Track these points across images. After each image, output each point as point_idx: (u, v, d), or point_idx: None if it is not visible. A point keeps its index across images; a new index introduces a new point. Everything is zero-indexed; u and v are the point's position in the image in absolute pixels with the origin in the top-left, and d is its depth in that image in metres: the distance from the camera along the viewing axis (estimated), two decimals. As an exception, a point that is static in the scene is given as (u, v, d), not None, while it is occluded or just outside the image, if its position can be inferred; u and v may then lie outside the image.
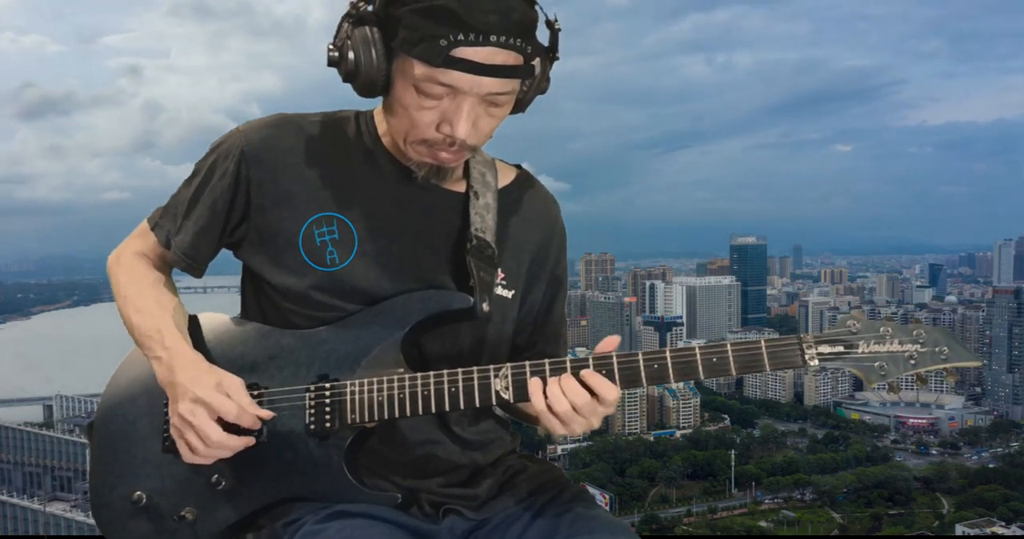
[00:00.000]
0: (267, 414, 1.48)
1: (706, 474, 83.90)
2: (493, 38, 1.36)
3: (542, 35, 1.49)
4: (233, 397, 1.46)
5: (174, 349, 1.52)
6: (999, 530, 65.22)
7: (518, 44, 1.39)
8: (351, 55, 1.44)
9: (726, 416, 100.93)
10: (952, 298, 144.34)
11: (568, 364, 1.43)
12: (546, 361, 1.43)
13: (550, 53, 1.52)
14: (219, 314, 1.68)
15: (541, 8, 1.45)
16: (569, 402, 1.40)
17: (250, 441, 1.48)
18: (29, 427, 75.39)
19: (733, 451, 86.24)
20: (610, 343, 1.44)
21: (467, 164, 1.63)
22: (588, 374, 1.41)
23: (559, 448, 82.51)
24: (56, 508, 62.53)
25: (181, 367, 1.50)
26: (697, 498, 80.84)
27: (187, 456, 1.49)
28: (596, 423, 1.44)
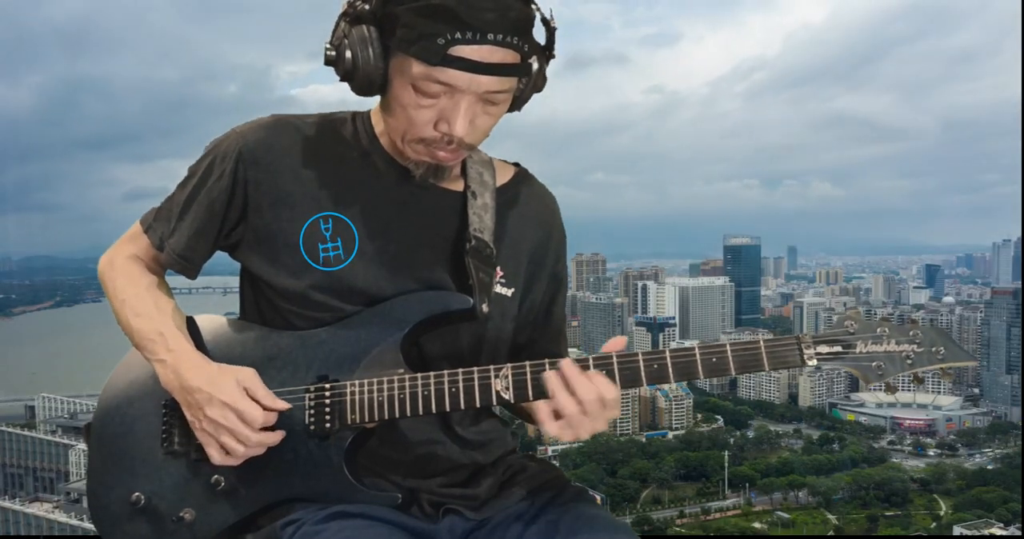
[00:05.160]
0: (285, 406, 1.49)
1: (699, 475, 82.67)
2: (491, 36, 1.37)
3: (539, 35, 1.50)
4: (252, 392, 1.48)
5: (178, 352, 1.53)
6: (997, 531, 64.11)
7: (515, 42, 1.40)
8: (348, 54, 1.45)
9: (719, 417, 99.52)
10: (950, 299, 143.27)
11: None
12: (546, 361, 1.44)
13: (547, 51, 1.52)
14: (217, 315, 1.68)
15: (538, 7, 1.46)
16: (577, 401, 1.39)
17: (283, 433, 1.50)
18: (11, 428, 74.25)
19: (727, 452, 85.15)
20: (617, 344, 1.45)
21: (464, 164, 1.64)
22: (591, 374, 1.41)
23: (549, 449, 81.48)
24: (38, 509, 61.29)
25: (188, 369, 1.51)
26: (690, 499, 79.72)
27: (220, 459, 1.50)
28: (601, 426, 1.41)
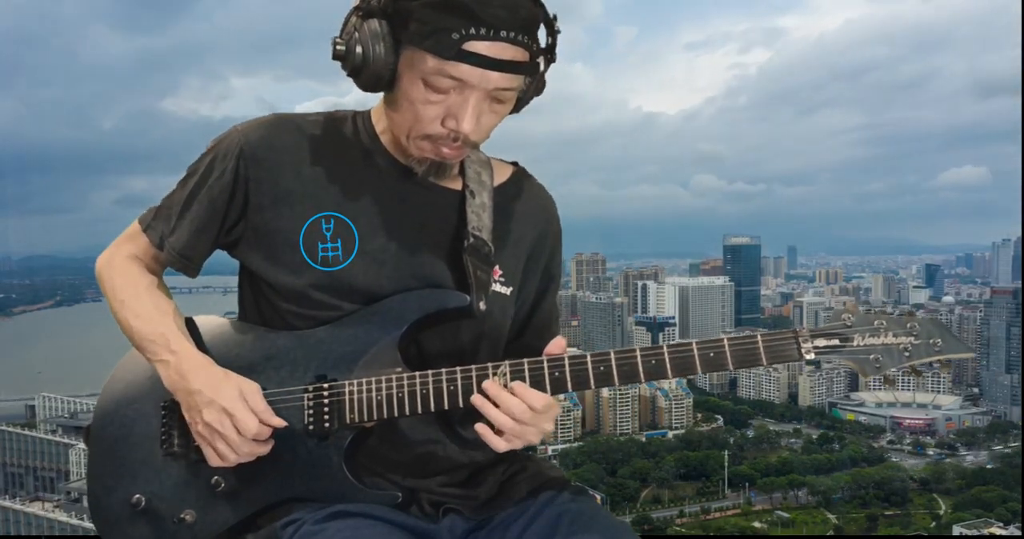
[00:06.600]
0: (280, 423, 1.50)
1: (699, 475, 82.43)
2: (503, 33, 1.38)
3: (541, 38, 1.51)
4: (251, 403, 1.49)
5: (181, 353, 1.53)
6: (997, 531, 64.01)
7: (526, 41, 1.42)
8: (359, 49, 1.45)
9: (719, 416, 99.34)
10: (949, 298, 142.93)
11: (566, 362, 1.44)
12: (544, 359, 1.44)
13: (549, 54, 1.52)
14: (215, 316, 1.68)
15: (544, 8, 1.47)
16: (508, 415, 1.42)
17: (271, 444, 1.51)
18: (11, 427, 74.24)
19: (726, 452, 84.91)
20: (556, 345, 1.46)
21: (463, 163, 1.64)
22: (514, 386, 1.42)
23: (549, 449, 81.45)
24: (38, 508, 61.28)
25: (192, 370, 1.51)
26: (690, 499, 79.49)
27: (214, 461, 1.51)
28: (546, 426, 1.45)
